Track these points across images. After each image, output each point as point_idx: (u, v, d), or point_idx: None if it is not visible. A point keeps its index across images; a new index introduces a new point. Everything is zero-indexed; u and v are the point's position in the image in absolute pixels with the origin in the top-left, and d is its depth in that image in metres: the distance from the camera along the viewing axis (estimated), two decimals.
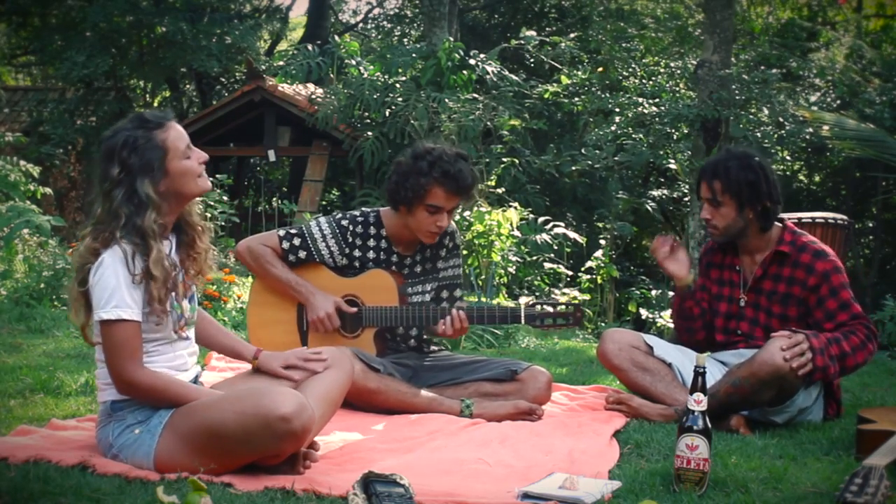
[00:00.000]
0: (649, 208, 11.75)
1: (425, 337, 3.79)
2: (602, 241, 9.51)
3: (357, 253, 3.66)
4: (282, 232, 3.69)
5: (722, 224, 3.50)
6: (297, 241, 3.65)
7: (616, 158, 10.27)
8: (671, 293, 8.88)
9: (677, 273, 3.65)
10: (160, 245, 2.58)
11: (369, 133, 10.20)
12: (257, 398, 2.48)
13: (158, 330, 2.62)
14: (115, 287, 2.50)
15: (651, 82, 12.47)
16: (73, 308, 2.64)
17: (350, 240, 3.66)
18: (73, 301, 2.64)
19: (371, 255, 3.67)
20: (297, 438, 2.48)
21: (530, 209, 9.40)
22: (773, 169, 3.58)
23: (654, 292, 10.00)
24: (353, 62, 10.89)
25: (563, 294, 8.05)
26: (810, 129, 9.39)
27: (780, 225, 3.55)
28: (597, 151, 10.39)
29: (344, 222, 3.68)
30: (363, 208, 3.81)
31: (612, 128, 10.57)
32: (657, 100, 11.00)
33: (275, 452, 2.51)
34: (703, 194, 3.53)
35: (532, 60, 13.88)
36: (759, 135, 9.25)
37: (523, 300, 7.56)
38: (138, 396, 2.57)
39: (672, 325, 4.07)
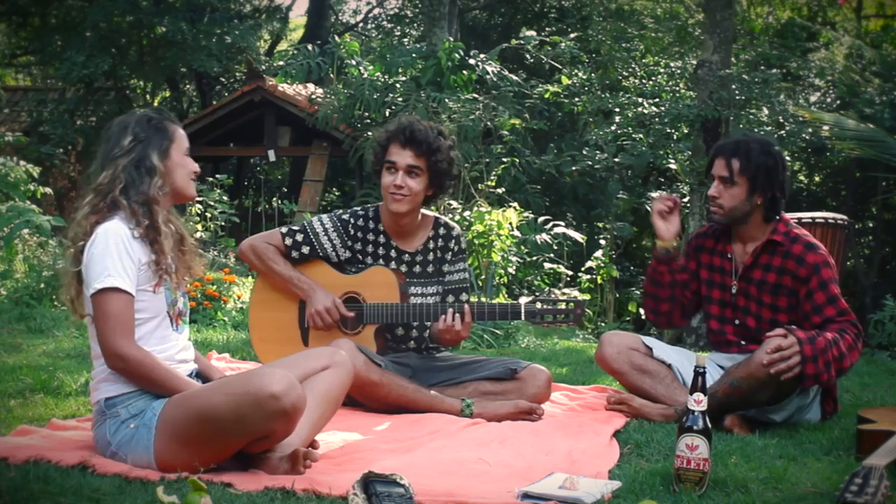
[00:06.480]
0: (649, 208, 11.74)
1: (430, 345, 3.79)
2: (602, 241, 9.51)
3: (358, 246, 3.70)
4: (284, 229, 3.71)
5: (729, 205, 3.46)
6: (299, 237, 3.67)
7: (616, 159, 10.26)
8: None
9: (663, 233, 3.63)
10: (163, 211, 2.69)
11: (369, 133, 10.18)
12: (247, 379, 2.53)
13: (153, 311, 2.66)
14: (108, 258, 2.58)
15: (651, 82, 12.46)
16: (65, 284, 2.74)
17: (352, 233, 3.69)
18: (65, 277, 2.74)
19: (371, 248, 3.71)
20: (287, 416, 2.49)
21: (530, 209, 9.40)
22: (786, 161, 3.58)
23: None
24: (353, 62, 10.87)
25: (564, 294, 8.05)
26: (810, 129, 9.38)
27: (777, 217, 3.54)
28: (597, 152, 10.39)
29: (345, 216, 3.72)
30: (365, 204, 3.83)
31: (612, 128, 10.56)
32: (657, 100, 10.99)
33: (267, 432, 2.52)
34: (717, 171, 3.49)
35: (532, 60, 13.87)
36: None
37: (523, 300, 7.56)
38: (126, 372, 2.60)
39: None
